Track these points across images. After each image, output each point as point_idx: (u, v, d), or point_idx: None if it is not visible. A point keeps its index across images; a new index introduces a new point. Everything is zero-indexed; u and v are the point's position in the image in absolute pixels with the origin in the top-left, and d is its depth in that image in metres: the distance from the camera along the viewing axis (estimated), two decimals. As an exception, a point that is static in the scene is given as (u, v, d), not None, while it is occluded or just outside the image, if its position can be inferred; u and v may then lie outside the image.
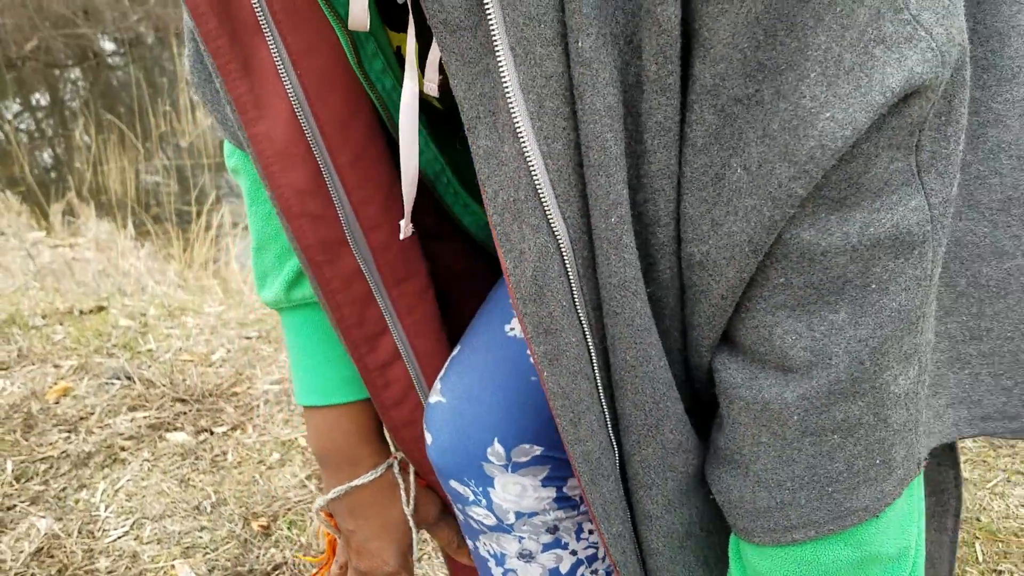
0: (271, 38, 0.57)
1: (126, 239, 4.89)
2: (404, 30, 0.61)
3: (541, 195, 0.49)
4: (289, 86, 0.57)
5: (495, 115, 0.48)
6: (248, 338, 2.07)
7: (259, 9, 0.56)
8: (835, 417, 0.50)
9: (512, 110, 0.47)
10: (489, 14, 0.45)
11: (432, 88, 0.55)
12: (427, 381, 0.70)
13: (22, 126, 7.28)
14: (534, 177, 0.48)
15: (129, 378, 1.84)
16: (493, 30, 0.45)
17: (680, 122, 0.48)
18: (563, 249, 0.50)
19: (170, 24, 8.89)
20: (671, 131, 0.48)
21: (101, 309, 2.29)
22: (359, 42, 0.58)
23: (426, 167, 0.66)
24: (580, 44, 0.45)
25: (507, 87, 0.46)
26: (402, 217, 0.64)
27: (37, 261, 4.30)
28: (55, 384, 1.84)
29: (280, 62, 0.57)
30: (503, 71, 0.46)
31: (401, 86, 0.61)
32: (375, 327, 0.66)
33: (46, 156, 6.40)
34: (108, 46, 8.71)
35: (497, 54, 0.46)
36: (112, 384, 1.83)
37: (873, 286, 0.48)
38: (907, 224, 0.47)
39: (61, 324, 2.16)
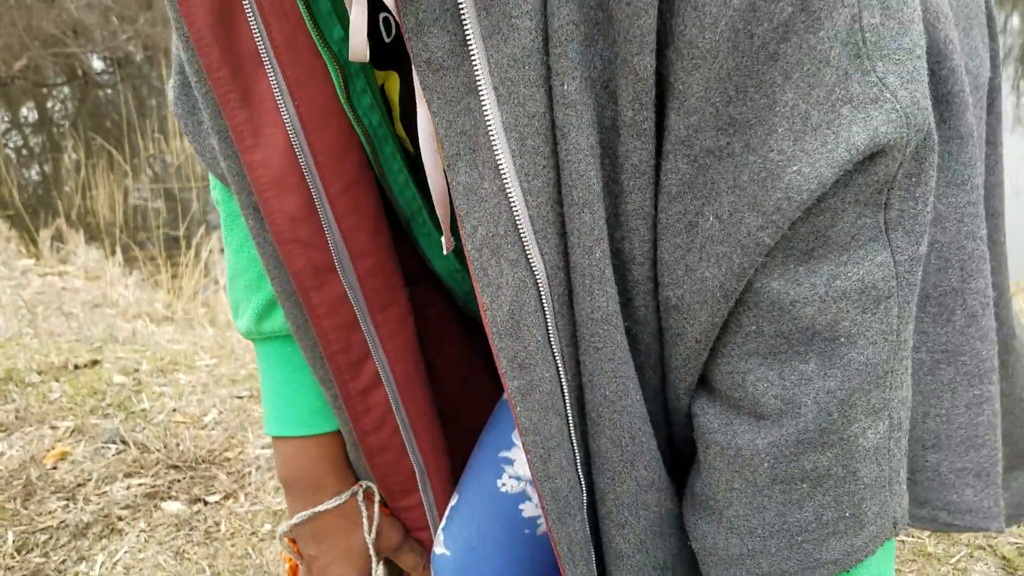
0: (271, 70, 0.58)
1: (115, 266, 4.91)
2: (387, 68, 0.63)
3: (520, 230, 0.50)
4: (287, 117, 0.59)
5: (475, 152, 0.50)
6: (240, 397, 2.12)
7: (260, 42, 0.58)
8: (804, 466, 0.51)
9: (495, 147, 0.49)
10: (473, 55, 0.47)
11: None
12: (404, 404, 0.71)
13: (10, 146, 7.28)
14: (514, 212, 0.50)
15: (124, 442, 1.89)
16: (476, 71, 0.47)
17: (655, 167, 0.51)
18: (540, 284, 0.52)
19: (159, 43, 8.92)
20: (646, 174, 0.51)
21: (95, 363, 2.34)
22: (349, 77, 0.60)
23: (405, 206, 0.67)
24: (566, 87, 0.47)
25: (490, 125, 0.48)
26: (389, 247, 0.67)
27: (28, 291, 4.33)
28: (52, 448, 1.89)
29: (279, 93, 0.59)
30: (486, 110, 0.48)
31: (386, 123, 0.63)
32: (359, 352, 0.68)
33: (35, 177, 6.42)
34: (97, 65, 8.73)
35: (480, 93, 0.48)
36: (108, 448, 1.88)
37: (841, 339, 0.50)
38: (872, 279, 0.49)
39: (57, 381, 2.20)
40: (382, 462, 0.74)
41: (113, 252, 5.10)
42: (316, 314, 0.65)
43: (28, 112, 8.06)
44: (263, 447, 1.90)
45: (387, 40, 0.61)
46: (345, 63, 0.59)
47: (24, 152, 7.18)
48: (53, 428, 1.97)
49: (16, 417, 2.00)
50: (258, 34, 0.57)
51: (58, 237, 5.28)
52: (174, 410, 2.06)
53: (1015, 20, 13.37)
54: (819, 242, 0.49)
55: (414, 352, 0.71)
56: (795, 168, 0.46)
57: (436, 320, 0.80)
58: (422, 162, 0.60)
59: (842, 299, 0.49)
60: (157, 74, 8.49)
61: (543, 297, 0.52)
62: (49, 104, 8.21)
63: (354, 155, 0.62)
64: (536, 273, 0.52)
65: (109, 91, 8.23)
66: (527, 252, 0.51)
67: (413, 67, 0.49)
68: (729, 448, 0.53)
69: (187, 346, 2.64)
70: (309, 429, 0.75)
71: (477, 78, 0.47)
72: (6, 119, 7.90)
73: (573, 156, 0.49)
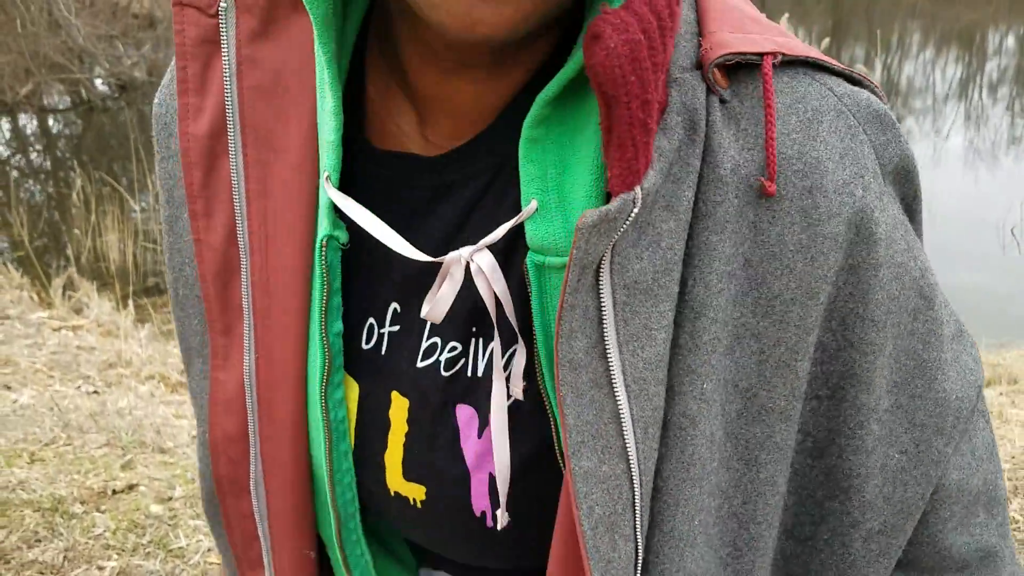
0: (247, 327, 0.64)
1: (127, 319, 5.05)
2: (354, 375, 0.65)
3: (636, 508, 0.56)
4: (247, 363, 0.65)
5: (596, 439, 0.54)
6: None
7: (246, 304, 0.63)
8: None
9: (625, 437, 0.54)
10: (610, 357, 0.53)
11: (518, 392, 0.60)
12: None
13: (15, 173, 7.38)
14: (635, 493, 0.55)
15: (168, 589, 2.07)
16: (612, 370, 0.53)
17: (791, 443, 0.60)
18: (639, 556, 0.57)
19: (163, 68, 9.00)
20: (783, 449, 0.59)
21: (132, 487, 2.51)
22: (333, 370, 0.63)
23: (341, 508, 0.67)
24: (704, 386, 0.55)
25: (623, 417, 0.54)
26: (306, 503, 0.68)
27: (44, 351, 4.48)
28: (101, 594, 2.07)
29: (247, 343, 0.64)
30: (620, 403, 0.54)
31: (348, 424, 0.65)
32: (256, 556, 0.72)
33: (43, 216, 6.52)
34: (103, 89, 8.82)
35: (615, 389, 0.53)
36: (152, 595, 2.06)
37: (991, 488, 0.67)
38: (988, 439, 0.67)
39: (99, 511, 2.38)
40: None
41: (125, 303, 5.23)
42: (227, 516, 0.71)
43: (34, 139, 8.16)
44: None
45: (364, 347, 0.65)
46: (335, 356, 0.63)
47: (31, 182, 7.28)
48: (100, 568, 2.15)
49: (65, 558, 2.18)
50: (246, 300, 0.63)
51: (69, 285, 5.40)
52: (209, 550, 2.24)
53: (1010, 40, 13.50)
54: (966, 436, 0.65)
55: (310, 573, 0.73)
56: (955, 396, 0.62)
57: None
58: (373, 467, 0.65)
59: (983, 461, 0.66)
60: (161, 98, 8.58)
61: (638, 569, 0.58)
62: (55, 131, 8.31)
63: (295, 419, 0.66)
64: (638, 546, 0.57)
65: (115, 116, 8.32)
66: (636, 527, 0.57)
67: (557, 367, 0.53)
68: None
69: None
70: None
71: (612, 376, 0.53)
72: (13, 146, 8.00)
73: (700, 441, 0.56)
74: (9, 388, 3.78)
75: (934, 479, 0.62)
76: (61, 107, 8.67)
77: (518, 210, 0.56)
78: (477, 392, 0.61)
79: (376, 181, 0.62)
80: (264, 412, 0.65)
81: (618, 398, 0.54)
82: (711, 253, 0.54)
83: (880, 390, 0.59)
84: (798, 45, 0.56)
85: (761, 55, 0.54)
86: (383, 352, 0.64)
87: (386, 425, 0.64)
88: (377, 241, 0.60)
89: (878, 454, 0.61)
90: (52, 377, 4.17)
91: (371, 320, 0.64)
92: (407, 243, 0.58)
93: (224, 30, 0.61)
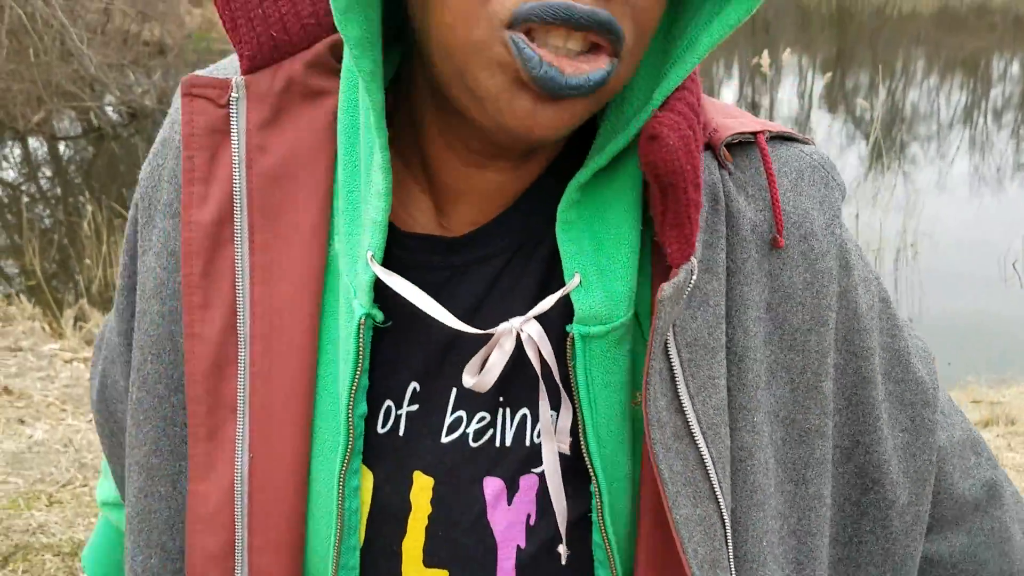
0: (241, 422, 0.62)
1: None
2: (369, 463, 0.63)
3: (728, 542, 0.61)
4: (239, 465, 0.62)
5: (687, 485, 0.59)
6: None
7: (241, 397, 0.62)
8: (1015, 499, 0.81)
9: (712, 480, 0.60)
10: (686, 410, 0.59)
11: (564, 447, 0.61)
12: None
13: (26, 200, 7.42)
14: (726, 528, 0.61)
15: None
16: (690, 421, 0.59)
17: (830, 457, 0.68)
18: None
19: (173, 96, 9.07)
20: (823, 463, 0.66)
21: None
22: (353, 454, 0.60)
23: None
24: (755, 419, 0.62)
25: (707, 463, 0.59)
26: None
27: (57, 384, 4.51)
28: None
29: (240, 441, 0.62)
30: (702, 450, 0.59)
31: (370, 504, 0.62)
32: None
33: (55, 243, 6.55)
34: (114, 117, 8.89)
35: (695, 437, 0.59)
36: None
37: (974, 435, 0.80)
38: (945, 396, 0.79)
39: (116, 556, 2.41)
40: None
41: (135, 333, 5.24)
42: None
43: (46, 166, 8.21)
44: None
45: (380, 431, 0.63)
46: (356, 439, 0.60)
47: (41, 207, 7.32)
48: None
49: (85, 605, 2.20)
50: (243, 393, 0.61)
51: (81, 316, 5.43)
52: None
53: (1015, 67, 13.54)
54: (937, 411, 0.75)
55: None
56: (926, 373, 0.73)
57: None
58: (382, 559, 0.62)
59: (952, 415, 0.78)
60: (171, 125, 8.62)
61: None
62: (66, 157, 8.38)
63: (289, 516, 0.62)
64: (732, 575, 0.62)
65: (126, 144, 8.37)
66: (730, 559, 0.61)
67: (647, 427, 0.58)
68: (990, 530, 0.77)
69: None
70: None
71: (691, 427, 0.59)
72: (24, 172, 8.05)
73: (758, 469, 0.63)
74: (23, 422, 3.81)
75: (935, 445, 0.72)
76: (72, 134, 8.75)
77: (541, 286, 0.62)
78: (506, 462, 0.62)
79: (394, 261, 0.62)
80: (257, 521, 0.62)
81: (699, 445, 0.60)
82: (745, 303, 0.62)
83: (879, 383, 0.69)
84: (773, 124, 0.68)
85: (755, 134, 0.65)
86: (401, 433, 0.63)
87: (406, 510, 0.62)
88: (398, 323, 0.61)
89: (890, 438, 0.70)
90: (65, 411, 4.19)
91: (388, 402, 0.63)
92: (455, 318, 0.59)
93: (235, 120, 0.62)
